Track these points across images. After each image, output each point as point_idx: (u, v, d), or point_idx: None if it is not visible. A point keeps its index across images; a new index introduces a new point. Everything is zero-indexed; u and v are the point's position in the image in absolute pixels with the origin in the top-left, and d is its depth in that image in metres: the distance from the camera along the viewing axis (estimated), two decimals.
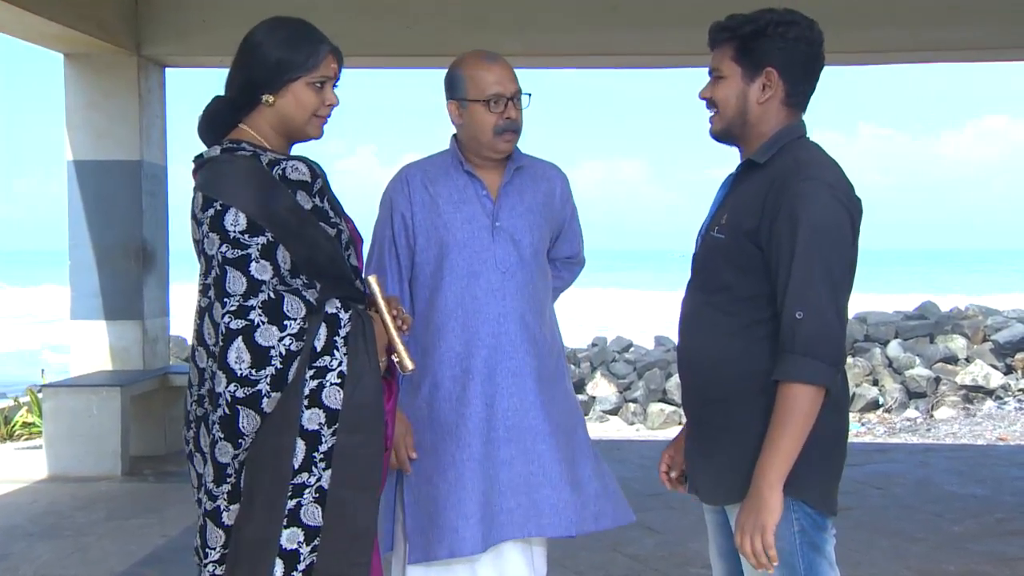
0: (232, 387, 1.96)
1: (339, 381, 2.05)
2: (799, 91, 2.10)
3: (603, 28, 6.40)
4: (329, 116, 2.21)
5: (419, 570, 2.58)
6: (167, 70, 6.82)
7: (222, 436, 2.00)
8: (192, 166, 2.18)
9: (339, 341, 2.05)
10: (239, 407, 1.97)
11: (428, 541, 2.53)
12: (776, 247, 1.97)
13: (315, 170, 2.15)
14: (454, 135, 2.69)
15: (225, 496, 2.05)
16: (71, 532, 4.87)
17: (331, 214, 2.15)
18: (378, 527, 2.66)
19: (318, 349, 2.03)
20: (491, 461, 2.54)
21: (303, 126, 2.17)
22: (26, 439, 7.42)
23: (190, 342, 2.15)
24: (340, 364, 2.05)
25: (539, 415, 2.57)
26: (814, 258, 1.93)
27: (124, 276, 6.50)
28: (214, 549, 2.07)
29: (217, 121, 2.19)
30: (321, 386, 2.04)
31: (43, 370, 8.82)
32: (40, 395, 6.73)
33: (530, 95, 2.62)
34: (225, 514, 2.05)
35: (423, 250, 2.61)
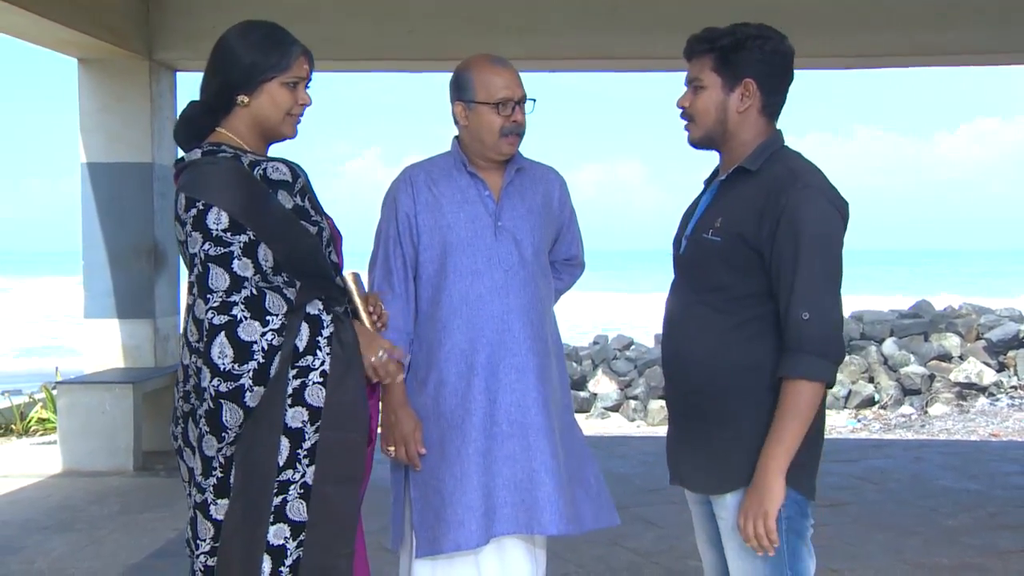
0: (216, 381, 1.99)
1: (321, 380, 2.08)
2: (774, 101, 2.20)
3: (602, 32, 6.45)
4: (302, 115, 2.25)
5: (425, 564, 2.61)
6: (178, 74, 6.90)
7: (207, 430, 2.04)
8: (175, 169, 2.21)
9: (321, 341, 2.08)
10: (222, 401, 2.00)
11: (434, 535, 2.56)
12: (778, 251, 2.06)
13: (295, 170, 2.18)
14: (456, 137, 2.74)
15: (212, 489, 2.08)
16: (85, 525, 4.93)
17: (312, 213, 2.18)
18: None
19: (300, 349, 2.05)
20: (493, 456, 2.57)
21: (278, 125, 2.21)
22: (41, 435, 7.50)
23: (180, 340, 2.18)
24: (322, 364, 2.08)
25: (541, 412, 2.60)
26: (816, 262, 2.04)
27: (136, 276, 6.57)
28: (204, 541, 2.10)
29: (194, 125, 2.21)
30: (304, 385, 2.07)
31: (57, 367, 8.90)
32: (55, 392, 6.78)
33: (534, 100, 2.67)
34: (213, 507, 2.08)
35: (426, 249, 2.64)
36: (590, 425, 10.84)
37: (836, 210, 2.09)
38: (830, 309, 2.04)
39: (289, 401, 2.05)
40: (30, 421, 7.69)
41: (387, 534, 2.77)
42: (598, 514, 2.71)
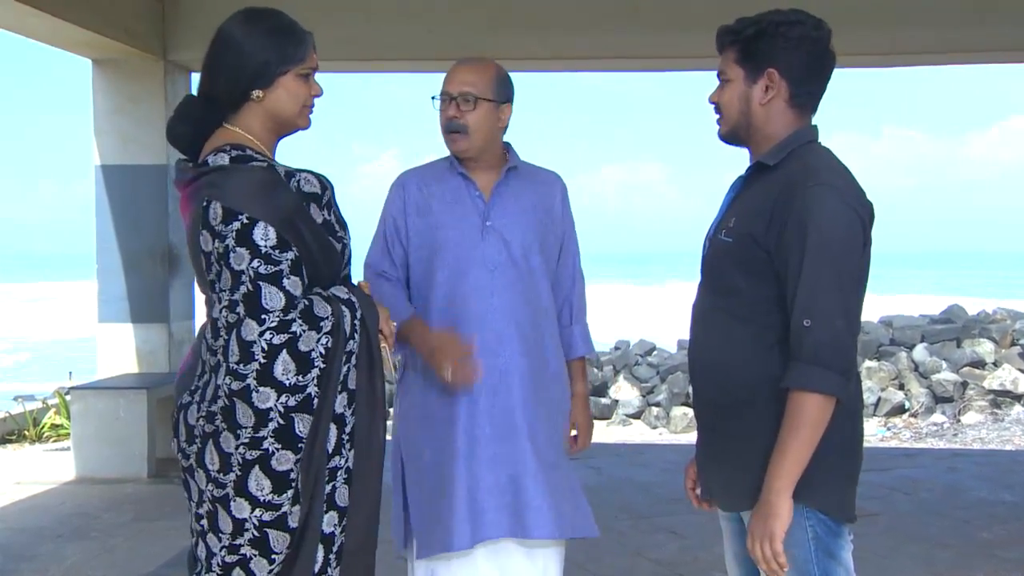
0: (283, 398, 1.94)
1: (355, 363, 2.06)
2: (804, 91, 2.08)
3: (623, 31, 6.42)
4: (314, 106, 2.18)
5: (423, 566, 2.62)
6: (192, 75, 6.86)
7: (279, 447, 1.97)
8: (183, 170, 2.09)
9: (357, 324, 2.06)
10: (293, 415, 1.96)
11: (428, 537, 2.58)
12: (786, 253, 1.96)
13: (324, 182, 2.10)
14: None
15: (289, 499, 2.01)
16: (98, 533, 4.91)
17: (337, 228, 2.12)
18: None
19: (347, 333, 2.03)
20: (476, 458, 2.56)
21: (294, 118, 2.13)
22: (54, 441, 7.48)
23: (202, 357, 2.09)
24: (357, 345, 2.06)
25: (525, 415, 2.58)
26: (823, 265, 1.92)
27: (150, 279, 6.56)
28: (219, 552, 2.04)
29: (195, 121, 2.11)
30: (349, 370, 2.05)
31: (70, 372, 8.90)
32: (68, 397, 6.79)
33: (502, 103, 2.60)
34: (290, 517, 2.01)
35: (416, 250, 2.65)
36: (611, 432, 10.76)
37: (853, 211, 1.96)
38: (835, 316, 1.92)
39: (339, 387, 2.03)
40: (43, 427, 7.68)
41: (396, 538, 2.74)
42: (575, 522, 2.65)
